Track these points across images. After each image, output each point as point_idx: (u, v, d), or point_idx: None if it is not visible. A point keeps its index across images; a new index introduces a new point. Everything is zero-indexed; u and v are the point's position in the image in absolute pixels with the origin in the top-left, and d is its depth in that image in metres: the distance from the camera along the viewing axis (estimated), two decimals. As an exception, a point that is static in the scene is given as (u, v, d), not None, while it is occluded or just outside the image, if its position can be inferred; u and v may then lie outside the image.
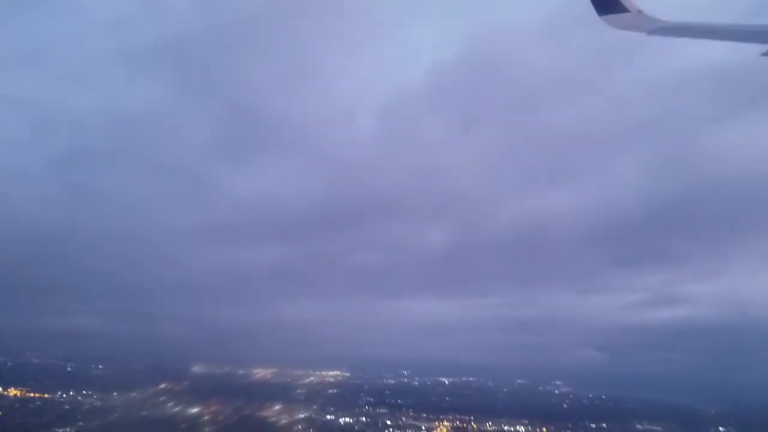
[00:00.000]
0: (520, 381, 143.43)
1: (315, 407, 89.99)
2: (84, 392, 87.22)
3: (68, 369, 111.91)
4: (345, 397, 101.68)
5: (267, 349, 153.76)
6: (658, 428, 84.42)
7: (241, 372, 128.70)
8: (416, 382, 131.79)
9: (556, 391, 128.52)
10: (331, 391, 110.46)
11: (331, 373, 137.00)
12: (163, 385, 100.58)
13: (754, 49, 9.39)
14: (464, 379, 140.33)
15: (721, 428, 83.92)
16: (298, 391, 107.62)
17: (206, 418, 78.48)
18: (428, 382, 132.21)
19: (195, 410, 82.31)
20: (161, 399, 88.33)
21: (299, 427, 75.85)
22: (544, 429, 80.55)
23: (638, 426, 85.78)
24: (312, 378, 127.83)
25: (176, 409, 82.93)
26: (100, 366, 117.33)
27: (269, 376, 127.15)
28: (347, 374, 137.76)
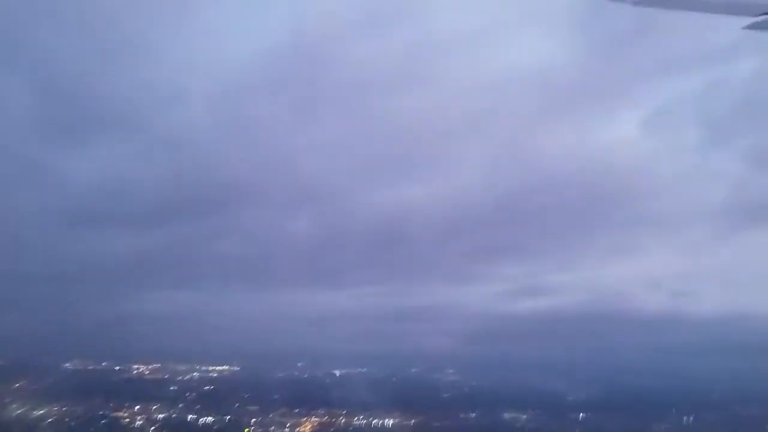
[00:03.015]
0: (413, 370, 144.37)
1: (181, 405, 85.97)
2: None
3: None
4: (220, 394, 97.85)
5: (153, 343, 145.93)
6: (525, 416, 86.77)
7: (118, 368, 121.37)
8: (306, 375, 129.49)
9: (444, 380, 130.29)
10: (207, 387, 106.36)
11: (218, 367, 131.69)
12: (18, 384, 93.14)
13: (739, 21, 8.72)
14: (357, 369, 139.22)
15: (581, 414, 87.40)
16: (172, 387, 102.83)
17: (50, 420, 72.69)
18: (318, 375, 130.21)
19: (41, 412, 76.10)
20: (7, 400, 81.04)
21: (152, 428, 71.68)
22: (412, 421, 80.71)
23: (506, 415, 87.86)
24: (195, 373, 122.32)
25: (19, 411, 76.30)
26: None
27: (148, 372, 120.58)
28: (236, 368, 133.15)
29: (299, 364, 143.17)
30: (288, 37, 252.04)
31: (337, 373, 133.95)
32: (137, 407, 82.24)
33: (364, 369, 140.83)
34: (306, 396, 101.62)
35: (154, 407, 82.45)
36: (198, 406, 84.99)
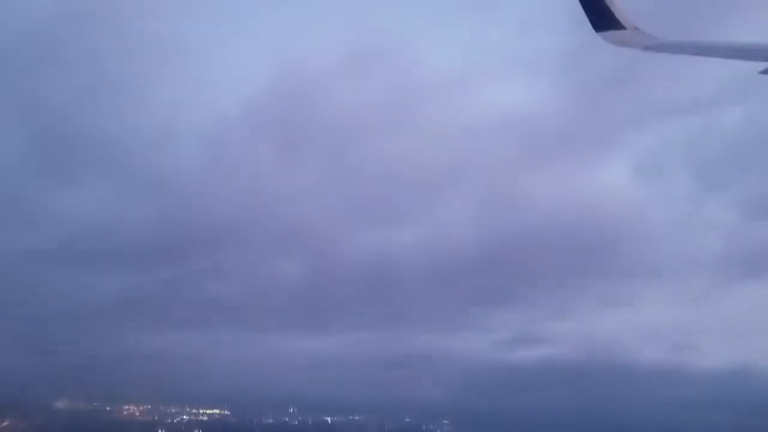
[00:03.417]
0: (407, 419, 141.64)
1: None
2: None
3: None
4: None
5: (146, 384, 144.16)
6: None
7: (108, 408, 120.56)
8: (296, 422, 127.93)
9: (438, 431, 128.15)
10: (196, 431, 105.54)
11: (209, 411, 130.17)
12: (5, 423, 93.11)
13: (752, 66, 9.23)
14: (350, 417, 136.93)
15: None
16: (160, 430, 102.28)
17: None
18: (309, 422, 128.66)
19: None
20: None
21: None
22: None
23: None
24: (184, 416, 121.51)
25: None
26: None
27: (138, 413, 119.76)
28: (227, 412, 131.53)
29: (291, 410, 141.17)
30: (269, 81, 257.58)
31: (329, 420, 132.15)
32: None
33: (357, 417, 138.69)
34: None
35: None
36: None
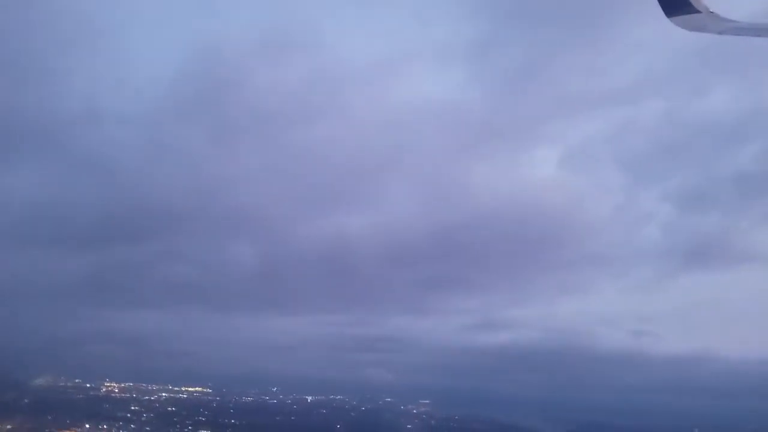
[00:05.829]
0: (387, 399, 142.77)
1: (132, 426, 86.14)
2: None
3: None
4: (177, 415, 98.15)
5: (130, 363, 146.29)
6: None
7: (89, 385, 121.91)
8: (275, 400, 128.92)
9: (415, 410, 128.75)
10: (170, 408, 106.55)
11: (190, 389, 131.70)
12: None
13: None
14: (330, 396, 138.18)
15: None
16: (133, 407, 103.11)
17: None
18: (288, 400, 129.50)
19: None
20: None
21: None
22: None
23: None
24: (164, 394, 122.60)
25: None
26: None
27: (117, 390, 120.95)
28: (209, 390, 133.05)
29: (273, 389, 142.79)
30: (190, 62, 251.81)
31: (309, 399, 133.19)
32: (87, 425, 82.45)
33: (338, 396, 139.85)
34: (266, 421, 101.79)
35: (103, 426, 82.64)
36: (148, 428, 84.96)
